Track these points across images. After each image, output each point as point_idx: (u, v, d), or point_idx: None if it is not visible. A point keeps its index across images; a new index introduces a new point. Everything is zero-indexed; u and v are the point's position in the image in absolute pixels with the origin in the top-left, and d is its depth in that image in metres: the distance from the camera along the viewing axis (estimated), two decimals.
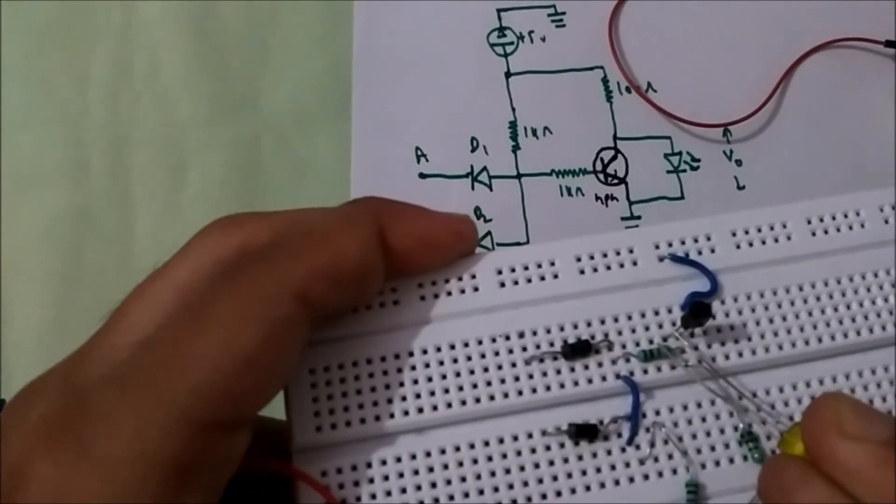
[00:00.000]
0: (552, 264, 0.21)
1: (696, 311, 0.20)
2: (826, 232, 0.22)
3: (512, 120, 0.38)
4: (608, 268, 0.21)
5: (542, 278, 0.21)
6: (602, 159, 0.38)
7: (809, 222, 0.22)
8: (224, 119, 0.38)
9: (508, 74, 0.39)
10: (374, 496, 0.19)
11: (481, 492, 0.19)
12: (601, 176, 0.38)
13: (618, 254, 0.21)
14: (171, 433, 0.17)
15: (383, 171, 0.38)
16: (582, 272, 0.21)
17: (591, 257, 0.21)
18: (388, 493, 0.19)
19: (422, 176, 0.38)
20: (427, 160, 0.38)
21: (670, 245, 0.22)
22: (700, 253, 0.22)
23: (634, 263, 0.21)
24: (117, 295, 0.39)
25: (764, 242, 0.22)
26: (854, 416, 0.18)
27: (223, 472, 0.18)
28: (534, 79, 0.38)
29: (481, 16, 0.39)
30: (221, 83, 0.38)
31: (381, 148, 0.38)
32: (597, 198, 0.38)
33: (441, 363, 0.20)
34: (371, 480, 0.19)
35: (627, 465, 0.20)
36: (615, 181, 0.38)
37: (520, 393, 0.20)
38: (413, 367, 0.20)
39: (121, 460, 0.16)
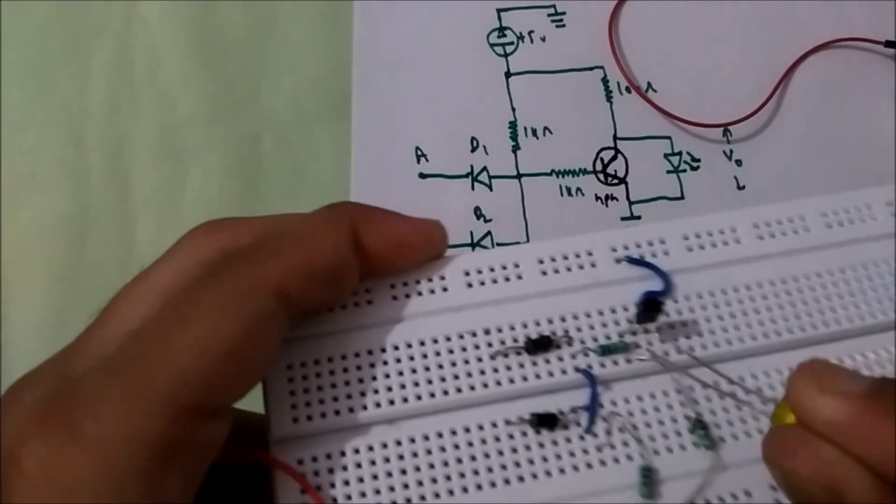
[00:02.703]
0: (516, 266, 0.23)
1: (648, 306, 0.21)
2: (773, 236, 0.24)
3: (512, 120, 0.38)
4: (569, 269, 0.23)
5: (507, 279, 0.22)
6: (602, 159, 0.38)
7: (757, 227, 0.24)
8: (224, 119, 0.38)
9: (508, 74, 0.39)
10: (347, 482, 0.20)
11: (448, 477, 0.20)
12: (601, 176, 0.38)
13: (577, 256, 0.23)
14: (156, 417, 0.18)
15: (383, 171, 0.38)
16: (544, 273, 0.23)
17: (553, 259, 0.23)
18: (361, 480, 0.20)
19: (422, 176, 0.38)
20: (427, 160, 0.38)
21: (626, 248, 0.23)
22: (655, 256, 0.23)
23: (593, 265, 0.23)
24: None
25: (714, 246, 0.23)
26: (831, 376, 0.19)
27: (203, 457, 0.19)
28: (534, 79, 0.38)
29: (481, 16, 0.39)
30: (221, 83, 0.38)
31: (381, 148, 0.38)
32: (597, 198, 0.38)
33: (412, 358, 0.21)
34: (345, 468, 0.20)
35: (586, 451, 0.21)
36: (615, 181, 0.38)
37: (485, 386, 0.21)
38: (385, 363, 0.21)
39: (108, 441, 0.17)
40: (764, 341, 0.22)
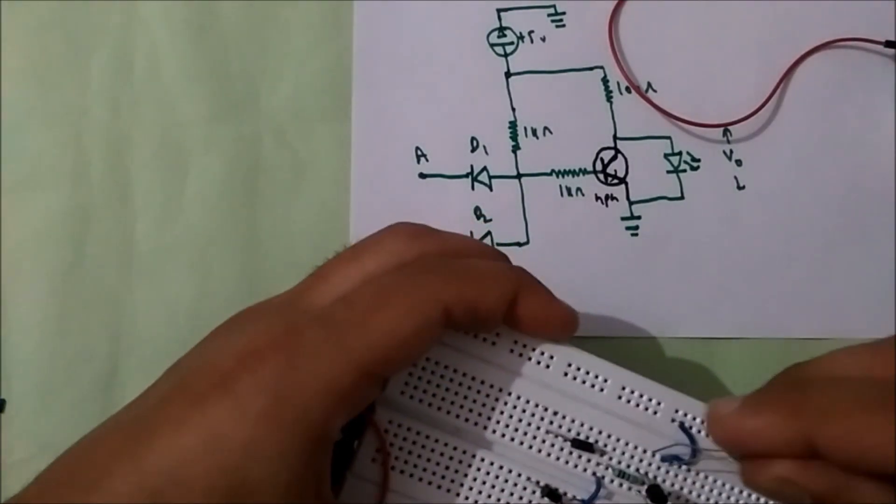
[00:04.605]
0: (605, 381, 0.28)
1: (653, 493, 0.27)
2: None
3: (512, 120, 0.38)
4: (637, 405, 0.28)
5: (592, 386, 0.28)
6: (602, 159, 0.38)
7: None
8: (224, 119, 0.38)
9: (508, 74, 0.39)
10: (409, 452, 0.27)
11: (470, 491, 0.27)
12: (601, 176, 0.38)
13: (650, 400, 0.28)
14: (349, 374, 0.24)
15: (383, 171, 0.38)
16: (619, 398, 0.28)
17: (632, 392, 0.28)
18: (411, 453, 0.27)
19: (422, 176, 0.38)
20: (427, 160, 0.38)
21: (686, 416, 0.28)
22: (701, 432, 0.28)
23: (655, 413, 0.28)
24: (118, 295, 0.39)
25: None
26: (713, 406, 0.26)
27: (357, 409, 0.25)
28: (534, 79, 0.38)
29: (481, 16, 0.39)
30: (221, 83, 0.38)
31: (381, 148, 0.38)
32: (597, 198, 0.38)
33: (496, 399, 0.27)
34: (413, 442, 0.27)
35: None
36: (615, 181, 0.38)
37: (531, 447, 0.27)
38: (479, 391, 0.27)
39: (315, 380, 0.24)
40: None
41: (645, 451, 0.28)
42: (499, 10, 0.39)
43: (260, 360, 0.24)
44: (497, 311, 0.26)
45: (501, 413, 0.27)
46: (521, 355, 0.28)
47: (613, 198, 0.38)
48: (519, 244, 0.37)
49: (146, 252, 0.37)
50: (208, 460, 0.23)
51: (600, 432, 0.28)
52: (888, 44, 0.38)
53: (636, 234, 0.37)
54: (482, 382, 0.27)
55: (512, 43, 0.39)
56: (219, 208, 0.38)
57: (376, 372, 0.25)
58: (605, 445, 0.28)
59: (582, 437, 0.28)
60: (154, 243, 0.37)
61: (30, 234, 0.37)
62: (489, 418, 0.27)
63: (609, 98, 0.38)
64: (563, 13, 0.39)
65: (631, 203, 0.37)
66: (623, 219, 0.37)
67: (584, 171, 0.38)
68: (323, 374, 0.24)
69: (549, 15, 0.39)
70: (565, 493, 0.27)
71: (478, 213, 0.37)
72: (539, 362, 0.28)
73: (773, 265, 0.37)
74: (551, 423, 0.27)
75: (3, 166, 0.37)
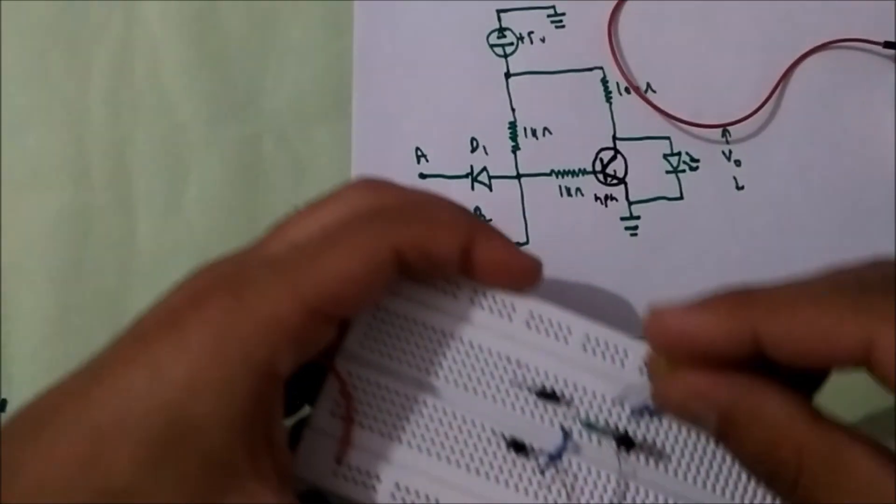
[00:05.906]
0: (569, 331, 0.27)
1: (622, 439, 0.27)
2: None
3: (512, 120, 0.38)
4: (603, 356, 0.27)
5: (556, 337, 0.27)
6: (601, 159, 0.38)
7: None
8: (224, 119, 0.38)
9: (508, 75, 0.39)
10: (369, 404, 0.27)
11: (429, 447, 0.26)
12: (600, 176, 0.38)
13: (616, 350, 0.27)
14: (296, 309, 0.24)
15: (383, 171, 0.38)
16: (584, 349, 0.27)
17: (597, 342, 0.27)
18: (373, 406, 0.27)
19: (422, 176, 0.38)
20: (427, 160, 0.38)
21: None
22: None
23: (622, 364, 0.27)
24: (118, 294, 0.39)
25: None
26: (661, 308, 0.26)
27: (308, 351, 0.25)
28: (533, 79, 0.39)
29: (481, 16, 0.39)
30: (221, 83, 0.38)
31: (381, 148, 0.38)
32: (596, 198, 0.38)
33: (458, 351, 0.27)
34: (374, 395, 0.27)
35: (530, 482, 0.26)
36: (614, 181, 0.38)
37: (495, 399, 0.27)
38: (440, 343, 0.27)
39: (261, 313, 0.24)
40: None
41: (613, 403, 0.27)
42: (499, 11, 0.39)
43: (206, 299, 0.24)
44: (450, 254, 0.26)
45: (464, 365, 0.27)
46: (482, 307, 0.27)
47: (613, 198, 0.38)
48: (519, 244, 0.37)
49: (147, 252, 0.37)
50: (151, 396, 0.23)
51: (566, 384, 0.27)
52: (887, 44, 0.38)
53: (636, 235, 0.37)
54: (443, 334, 0.27)
55: (512, 43, 0.39)
56: (219, 208, 0.38)
57: (324, 310, 0.24)
58: (572, 397, 0.27)
59: (547, 388, 0.27)
60: (155, 243, 0.37)
61: (31, 234, 0.37)
62: (451, 370, 0.27)
63: (608, 98, 0.38)
64: (563, 14, 0.39)
65: (630, 203, 0.38)
66: (622, 219, 0.37)
67: (584, 172, 0.38)
68: (268, 309, 0.24)
69: (548, 16, 0.39)
70: (531, 446, 0.26)
71: (478, 213, 0.38)
72: (501, 313, 0.27)
73: (773, 265, 0.37)
74: (515, 374, 0.27)
75: (3, 166, 0.37)
